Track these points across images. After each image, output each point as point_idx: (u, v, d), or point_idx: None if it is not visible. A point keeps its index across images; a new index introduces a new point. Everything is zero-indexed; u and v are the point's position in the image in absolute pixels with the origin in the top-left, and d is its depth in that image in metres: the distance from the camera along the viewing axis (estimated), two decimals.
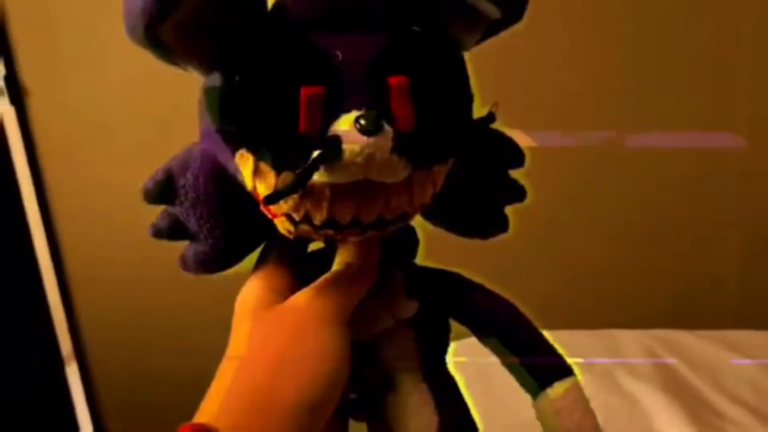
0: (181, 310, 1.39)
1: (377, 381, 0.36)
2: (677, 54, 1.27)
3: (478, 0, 0.30)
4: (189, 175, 0.33)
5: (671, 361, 1.07)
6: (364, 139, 0.27)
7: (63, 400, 1.45)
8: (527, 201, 0.38)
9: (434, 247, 0.41)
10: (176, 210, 0.34)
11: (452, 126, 0.31)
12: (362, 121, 0.27)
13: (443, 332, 0.39)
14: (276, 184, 0.29)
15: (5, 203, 1.33)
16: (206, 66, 0.30)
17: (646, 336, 1.15)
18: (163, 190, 0.33)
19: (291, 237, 0.33)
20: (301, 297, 0.32)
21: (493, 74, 1.26)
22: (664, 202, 1.35)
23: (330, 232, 0.31)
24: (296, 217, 0.30)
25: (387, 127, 0.27)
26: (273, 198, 0.29)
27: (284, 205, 0.30)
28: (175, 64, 0.30)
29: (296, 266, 0.35)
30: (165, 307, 1.41)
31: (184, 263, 0.36)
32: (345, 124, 0.27)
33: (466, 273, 0.43)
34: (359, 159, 0.27)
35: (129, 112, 1.30)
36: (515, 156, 0.38)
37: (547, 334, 1.18)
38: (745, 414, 0.91)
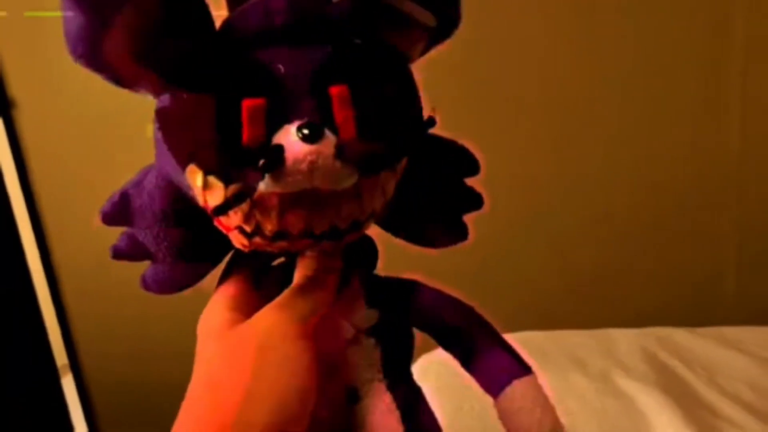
0: (175, 318, 1.39)
1: (342, 393, 0.36)
2: (671, 54, 1.27)
3: (412, 8, 0.32)
4: (145, 196, 0.33)
5: (668, 360, 1.07)
6: (306, 146, 0.27)
7: (59, 410, 1.44)
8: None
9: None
10: (135, 231, 0.34)
11: (396, 132, 0.31)
12: (304, 130, 0.28)
13: (406, 341, 0.40)
14: (225, 196, 0.29)
15: None
16: (157, 88, 0.31)
17: (642, 335, 1.15)
18: (120, 212, 0.34)
19: (246, 251, 0.33)
20: (264, 314, 0.32)
21: (489, 68, 1.28)
22: (659, 201, 1.35)
23: (283, 243, 0.31)
24: (248, 229, 0.31)
25: (329, 135, 0.28)
26: (221, 209, 0.29)
27: (235, 218, 0.30)
28: (129, 87, 0.31)
29: (259, 283, 0.35)
30: (159, 316, 1.41)
31: (145, 283, 0.37)
32: (288, 134, 0.28)
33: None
34: (302, 166, 0.28)
35: (118, 123, 1.29)
36: (470, 164, 0.38)
37: (542, 334, 1.17)
38: (742, 412, 0.91)
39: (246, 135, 0.28)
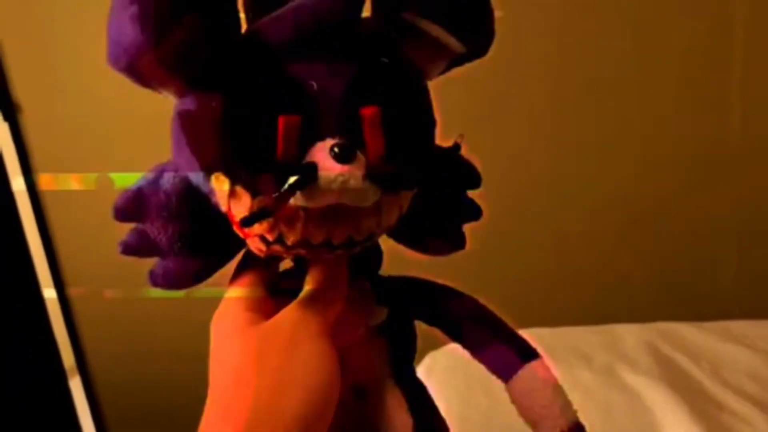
0: (182, 319, 1.39)
1: (353, 389, 0.37)
2: (672, 46, 1.28)
3: (443, 35, 0.32)
4: (161, 194, 0.34)
5: (672, 354, 1.07)
6: (339, 166, 0.28)
7: (67, 412, 1.45)
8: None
9: None
10: (146, 227, 0.35)
11: (419, 153, 0.33)
12: (337, 150, 0.28)
13: (410, 338, 0.41)
14: (252, 207, 0.30)
15: (2, 218, 1.33)
16: (180, 91, 0.31)
17: (645, 329, 1.15)
18: (133, 208, 0.34)
19: (262, 256, 0.34)
20: (289, 313, 0.33)
21: (488, 63, 1.28)
22: (660, 194, 1.36)
23: (301, 251, 0.32)
24: (270, 238, 0.31)
25: (360, 155, 0.29)
26: (249, 221, 0.30)
27: (259, 228, 0.31)
28: (150, 87, 0.31)
29: (269, 285, 0.36)
30: (166, 318, 1.41)
31: (154, 280, 0.37)
32: (320, 152, 0.29)
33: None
34: (334, 186, 0.28)
35: (123, 127, 1.30)
36: (472, 178, 0.39)
37: (547, 330, 1.17)
38: (746, 405, 0.91)
39: (281, 151, 0.28)
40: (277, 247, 0.32)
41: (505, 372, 0.39)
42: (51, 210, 1.37)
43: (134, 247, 0.36)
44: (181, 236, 0.35)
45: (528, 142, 1.32)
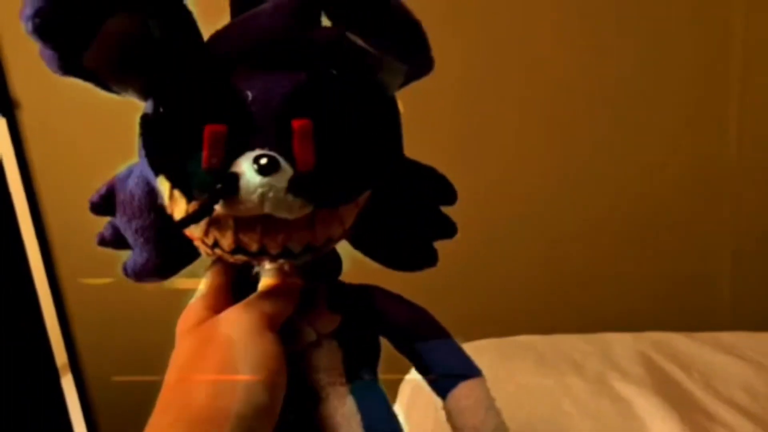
0: (175, 318, 1.39)
1: (306, 396, 0.37)
2: (668, 56, 1.28)
3: (383, 57, 0.31)
4: (127, 192, 0.35)
5: (664, 364, 1.07)
6: (259, 178, 0.28)
7: (58, 411, 1.44)
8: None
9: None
10: (117, 222, 0.37)
11: (357, 167, 0.32)
12: (261, 161, 0.28)
13: (371, 346, 0.41)
14: (187, 211, 0.31)
15: None
16: (143, 94, 0.32)
17: (638, 339, 1.16)
18: (105, 203, 0.37)
19: (212, 258, 0.35)
20: (231, 311, 0.34)
21: (486, 72, 1.29)
22: (655, 205, 1.36)
23: (242, 258, 0.33)
24: (208, 242, 0.32)
25: (285, 167, 0.29)
26: (180, 224, 0.31)
27: (195, 231, 0.32)
28: (116, 93, 0.32)
29: (236, 287, 0.37)
30: (160, 317, 1.41)
31: (125, 271, 0.39)
32: (246, 163, 0.29)
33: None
34: (254, 197, 0.28)
35: (121, 124, 1.29)
36: (447, 193, 0.39)
37: (540, 338, 1.17)
38: (737, 416, 0.91)
39: (205, 160, 0.29)
40: (219, 252, 0.33)
41: (441, 389, 0.39)
42: (47, 206, 1.37)
43: (107, 240, 0.38)
44: (144, 233, 0.36)
45: (523, 151, 1.32)
